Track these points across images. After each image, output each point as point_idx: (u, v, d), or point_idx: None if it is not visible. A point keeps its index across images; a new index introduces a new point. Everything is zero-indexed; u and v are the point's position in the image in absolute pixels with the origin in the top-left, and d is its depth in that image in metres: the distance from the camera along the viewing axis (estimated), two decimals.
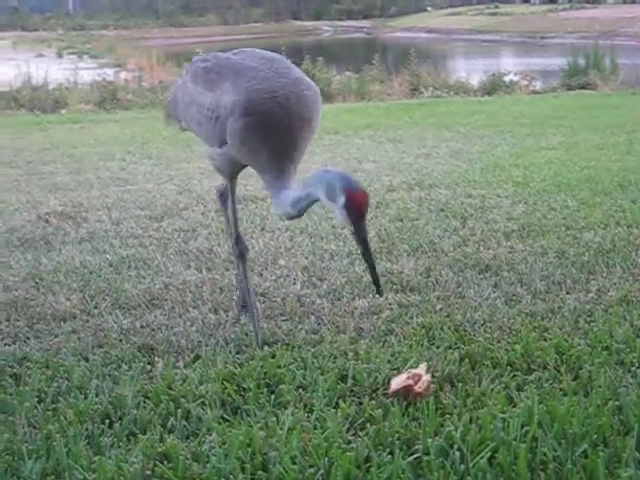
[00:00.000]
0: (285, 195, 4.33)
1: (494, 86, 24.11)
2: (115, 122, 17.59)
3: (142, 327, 5.17)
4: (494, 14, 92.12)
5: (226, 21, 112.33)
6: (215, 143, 4.58)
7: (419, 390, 4.04)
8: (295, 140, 4.36)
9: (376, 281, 4.26)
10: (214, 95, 4.50)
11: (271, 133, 4.32)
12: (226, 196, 5.10)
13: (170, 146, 12.80)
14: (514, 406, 3.95)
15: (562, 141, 12.67)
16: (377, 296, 5.04)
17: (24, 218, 8.12)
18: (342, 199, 3.96)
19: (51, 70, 26.73)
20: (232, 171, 4.80)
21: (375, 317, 5.21)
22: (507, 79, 24.87)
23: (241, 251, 5.01)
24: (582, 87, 23.76)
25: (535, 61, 42.61)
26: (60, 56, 54.68)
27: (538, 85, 25.37)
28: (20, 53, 52.07)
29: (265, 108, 4.31)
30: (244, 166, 4.76)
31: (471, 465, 3.44)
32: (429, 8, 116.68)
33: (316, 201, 4.20)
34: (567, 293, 5.58)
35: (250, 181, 8.90)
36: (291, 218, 4.50)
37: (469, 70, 29.84)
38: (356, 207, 3.97)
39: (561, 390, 4.12)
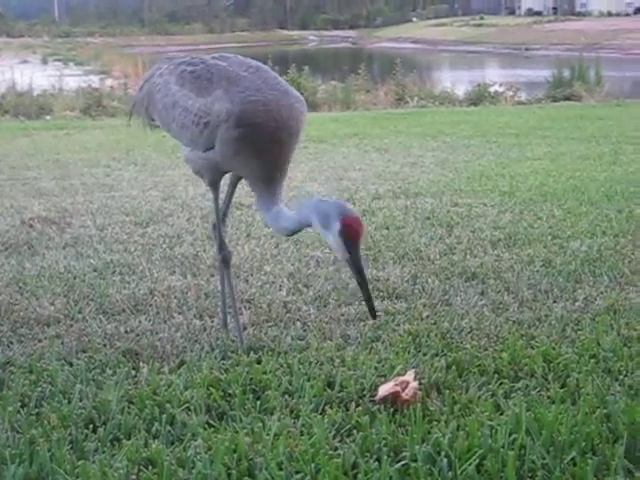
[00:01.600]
0: (279, 212, 4.40)
1: (479, 97, 24.15)
2: (100, 129, 17.54)
3: (126, 332, 5.13)
4: (479, 25, 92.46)
5: (212, 30, 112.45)
6: (199, 147, 4.59)
7: (406, 397, 4.02)
8: (285, 152, 4.44)
9: (372, 309, 4.25)
10: (204, 101, 4.50)
11: (263, 146, 4.38)
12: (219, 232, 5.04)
13: (155, 153, 12.77)
14: (501, 414, 3.93)
15: (548, 151, 12.69)
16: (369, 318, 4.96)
17: (8, 223, 8.06)
18: (337, 226, 4.00)
19: (36, 76, 26.75)
20: (212, 176, 4.77)
21: (362, 324, 5.19)
22: (492, 90, 24.91)
23: (224, 257, 4.99)
24: (567, 98, 23.85)
25: (520, 72, 42.74)
26: (45, 62, 54.65)
27: (523, 96, 25.43)
28: (5, 59, 51.94)
29: (260, 121, 4.36)
30: (225, 172, 4.76)
31: (459, 472, 3.41)
32: (415, 19, 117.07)
33: (309, 226, 4.26)
34: (554, 302, 5.56)
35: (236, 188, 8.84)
36: (283, 235, 4.64)
37: (454, 80, 29.86)
38: (352, 234, 4.00)
39: (549, 398, 4.10)
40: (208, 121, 4.46)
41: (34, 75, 26.72)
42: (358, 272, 4.12)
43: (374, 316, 4.33)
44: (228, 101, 4.41)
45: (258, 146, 4.38)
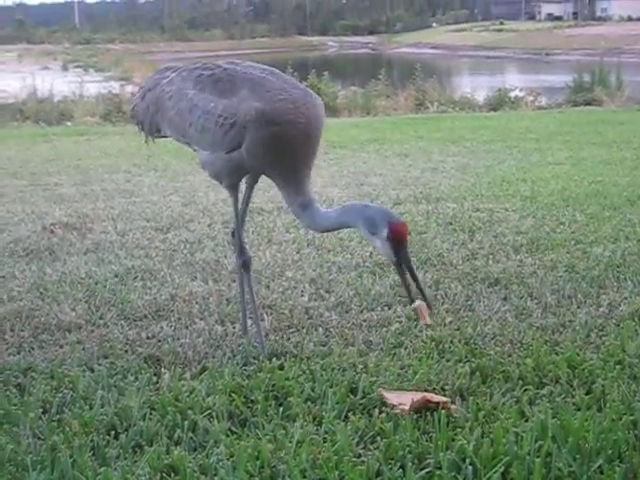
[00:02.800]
0: (316, 212, 4.50)
1: (500, 102, 24.11)
2: (120, 135, 17.54)
3: (148, 338, 5.11)
4: (499, 30, 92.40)
5: (232, 36, 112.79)
6: (222, 149, 4.56)
7: (436, 400, 4.00)
8: (314, 148, 4.51)
9: (425, 298, 4.39)
10: (229, 102, 4.50)
11: (294, 143, 4.41)
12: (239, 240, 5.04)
13: (175, 159, 12.76)
14: (526, 420, 3.89)
15: (569, 156, 12.62)
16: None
17: (29, 229, 8.06)
18: (385, 231, 4.19)
19: (56, 83, 26.78)
20: (232, 178, 4.76)
21: (384, 330, 5.15)
22: (513, 95, 24.85)
23: (244, 262, 4.97)
24: (587, 103, 23.75)
25: (540, 77, 42.65)
26: (65, 69, 54.88)
27: (543, 101, 25.36)
28: (26, 66, 52.26)
29: (291, 118, 4.40)
30: (245, 173, 4.76)
31: None
32: (434, 24, 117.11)
33: (348, 227, 4.50)
34: (578, 307, 5.52)
35: (257, 193, 8.83)
36: (317, 231, 4.82)
37: (474, 86, 29.82)
38: (399, 237, 4.20)
39: (574, 404, 4.06)
40: (234, 121, 4.46)
41: (55, 81, 26.75)
42: (409, 270, 4.27)
43: (430, 307, 4.42)
44: (256, 100, 4.43)
45: (289, 143, 4.41)
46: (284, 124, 4.38)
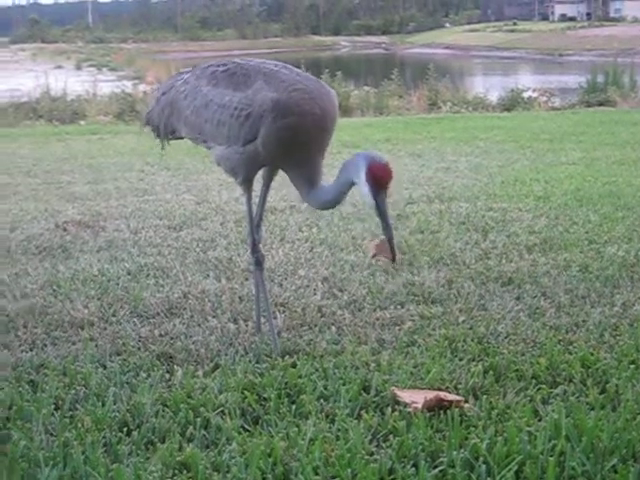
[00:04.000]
0: (318, 191, 4.53)
1: (513, 102, 24.05)
2: (133, 134, 17.50)
3: (161, 335, 5.11)
4: (512, 31, 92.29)
5: (245, 36, 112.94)
6: (239, 142, 4.57)
7: (449, 398, 3.99)
8: (328, 139, 4.53)
9: (392, 248, 4.36)
10: (243, 94, 4.53)
11: (310, 133, 4.44)
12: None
13: (188, 157, 12.76)
14: (540, 419, 3.88)
15: (582, 156, 12.58)
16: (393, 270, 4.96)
17: (42, 226, 8.08)
18: (363, 172, 4.17)
19: (70, 82, 26.84)
20: (248, 172, 4.75)
21: (397, 328, 5.14)
22: (526, 95, 24.80)
23: (257, 259, 4.96)
24: (601, 104, 23.68)
25: (553, 78, 42.57)
26: (79, 68, 55.03)
27: (557, 102, 25.29)
28: (39, 64, 52.38)
29: (307, 109, 4.42)
30: (261, 167, 4.77)
31: (498, 478, 3.37)
32: (447, 25, 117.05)
33: (349, 188, 4.40)
34: (591, 307, 5.49)
35: (269, 192, 8.83)
36: (328, 208, 4.80)
37: (487, 86, 29.75)
38: (377, 177, 4.16)
39: (588, 404, 4.04)
40: (250, 112, 4.48)
41: (68, 80, 26.82)
42: (381, 215, 4.24)
43: (394, 258, 4.43)
44: (272, 91, 4.45)
45: (305, 134, 4.42)
46: (300, 114, 4.40)
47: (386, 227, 4.27)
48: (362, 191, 4.23)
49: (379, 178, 4.16)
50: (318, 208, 4.85)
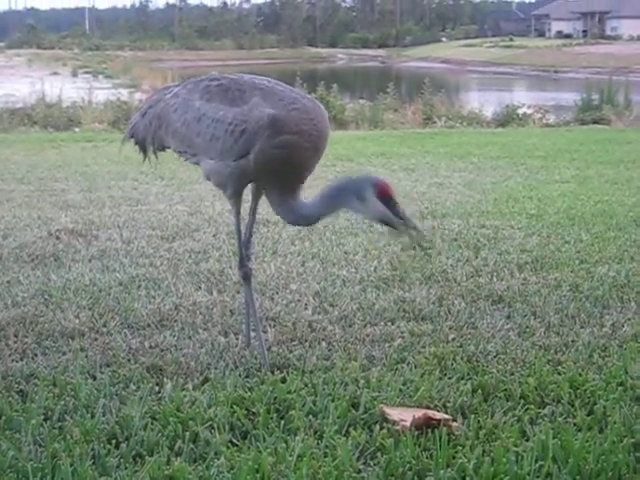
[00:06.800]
0: (295, 204, 4.56)
1: (507, 118, 24.15)
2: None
3: (151, 347, 5.12)
4: (509, 47, 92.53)
5: (241, 46, 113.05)
6: (231, 157, 4.57)
7: (437, 417, 4.00)
8: (318, 160, 4.58)
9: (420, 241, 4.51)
10: (239, 110, 4.54)
11: (303, 153, 4.47)
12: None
13: (182, 167, 12.70)
14: (527, 440, 3.89)
15: (575, 174, 12.63)
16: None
17: (35, 234, 8.07)
18: (372, 190, 4.25)
19: (65, 88, 26.90)
20: (238, 186, 4.75)
21: (387, 345, 5.15)
22: (520, 111, 24.88)
23: (245, 273, 4.97)
24: (595, 122, 23.76)
25: (548, 95, 42.67)
26: (75, 75, 55.00)
27: (551, 118, 25.37)
28: (35, 71, 52.41)
29: (305, 129, 4.45)
30: (250, 182, 4.78)
31: None
32: (444, 39, 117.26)
33: (337, 209, 4.50)
34: (581, 327, 5.51)
35: (263, 205, 8.84)
36: (301, 224, 4.89)
37: (482, 101, 29.77)
38: (388, 192, 4.27)
39: (575, 425, 4.05)
40: (245, 128, 4.49)
41: (64, 87, 26.88)
42: (405, 220, 4.34)
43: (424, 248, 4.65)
44: (269, 107, 4.47)
45: (299, 154, 4.45)
46: (299, 133, 4.43)
47: (409, 226, 4.36)
48: (374, 210, 4.30)
49: (390, 191, 4.28)
50: (291, 222, 4.85)
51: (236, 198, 4.82)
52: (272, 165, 4.48)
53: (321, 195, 4.46)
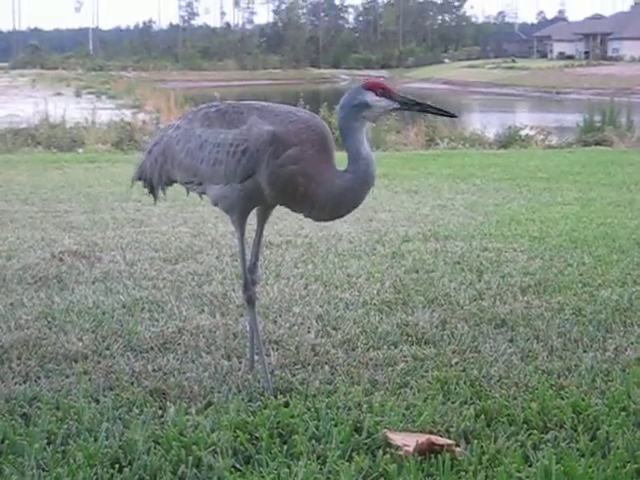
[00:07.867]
0: (338, 173, 4.61)
1: (510, 139, 24.15)
2: (131, 163, 17.46)
3: (154, 371, 5.12)
4: (511, 68, 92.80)
5: (244, 66, 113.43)
6: (236, 179, 4.58)
7: (441, 442, 3.99)
8: (333, 148, 4.65)
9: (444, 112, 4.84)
10: (238, 130, 4.58)
11: (313, 159, 4.51)
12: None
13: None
14: (530, 465, 3.89)
15: (578, 197, 12.63)
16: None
17: (38, 256, 8.09)
18: (368, 93, 4.52)
19: (69, 109, 26.94)
20: (245, 209, 4.77)
21: (390, 369, 5.15)
22: (523, 133, 24.90)
23: (249, 297, 4.97)
24: (598, 143, 23.76)
25: (551, 116, 42.72)
26: (79, 95, 55.17)
27: (554, 140, 25.39)
28: (39, 91, 52.53)
29: (305, 137, 4.49)
30: (258, 204, 4.79)
31: None
32: (447, 60, 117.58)
33: (361, 130, 4.64)
34: (584, 351, 5.51)
35: (265, 227, 8.85)
36: (364, 170, 4.78)
37: (485, 122, 29.79)
38: (380, 85, 4.51)
39: (578, 450, 4.05)
40: (246, 147, 4.52)
41: (67, 107, 26.93)
42: (412, 101, 4.59)
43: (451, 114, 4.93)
44: (267, 124, 4.51)
45: (308, 161, 4.47)
46: (301, 144, 4.46)
47: (423, 105, 4.60)
48: (379, 105, 4.53)
49: (381, 83, 4.52)
50: (360, 179, 4.74)
51: (241, 221, 4.83)
52: (294, 181, 4.46)
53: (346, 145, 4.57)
